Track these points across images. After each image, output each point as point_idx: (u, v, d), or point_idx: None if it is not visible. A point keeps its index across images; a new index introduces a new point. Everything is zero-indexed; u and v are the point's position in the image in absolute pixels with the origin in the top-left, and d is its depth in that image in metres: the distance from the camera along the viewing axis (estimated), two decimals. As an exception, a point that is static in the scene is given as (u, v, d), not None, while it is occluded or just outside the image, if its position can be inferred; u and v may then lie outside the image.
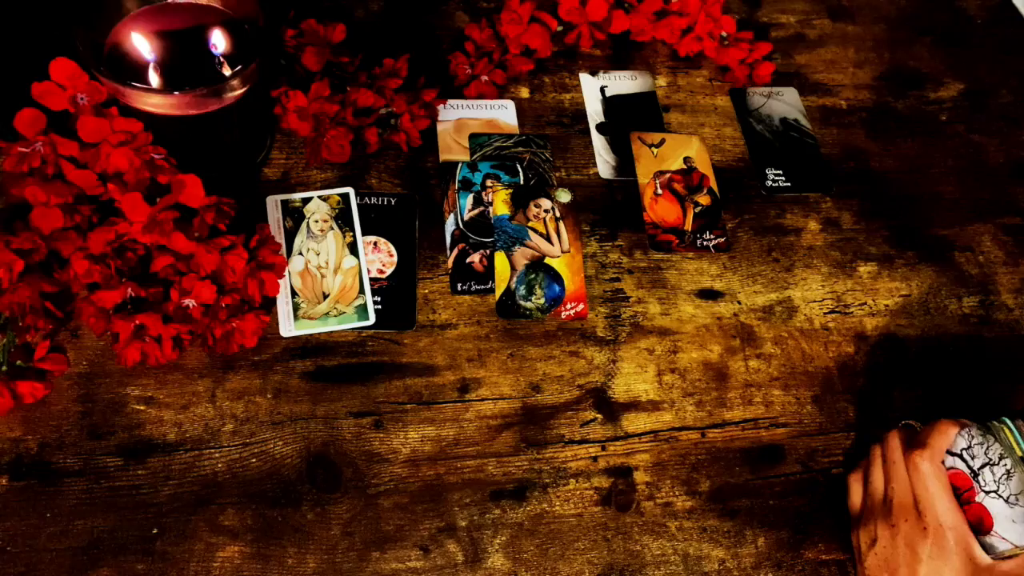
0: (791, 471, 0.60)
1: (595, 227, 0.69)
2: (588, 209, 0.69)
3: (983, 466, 0.51)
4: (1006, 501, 0.49)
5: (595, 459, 0.59)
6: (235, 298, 0.55)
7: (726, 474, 0.59)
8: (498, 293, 0.64)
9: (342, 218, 0.65)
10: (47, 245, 0.53)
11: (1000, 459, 0.50)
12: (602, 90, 0.76)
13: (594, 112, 0.75)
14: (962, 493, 0.51)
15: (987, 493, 0.50)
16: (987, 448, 0.51)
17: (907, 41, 0.86)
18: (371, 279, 0.63)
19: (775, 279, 0.68)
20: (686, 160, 0.73)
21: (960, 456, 0.51)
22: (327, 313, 0.61)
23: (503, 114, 0.73)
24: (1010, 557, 0.49)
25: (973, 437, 0.52)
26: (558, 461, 0.58)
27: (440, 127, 0.71)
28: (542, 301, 0.64)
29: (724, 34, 0.78)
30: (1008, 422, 0.51)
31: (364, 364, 0.60)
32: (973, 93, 0.83)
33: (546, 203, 0.68)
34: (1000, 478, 0.50)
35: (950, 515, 0.50)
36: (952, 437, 0.52)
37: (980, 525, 0.50)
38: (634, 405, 0.61)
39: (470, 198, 0.68)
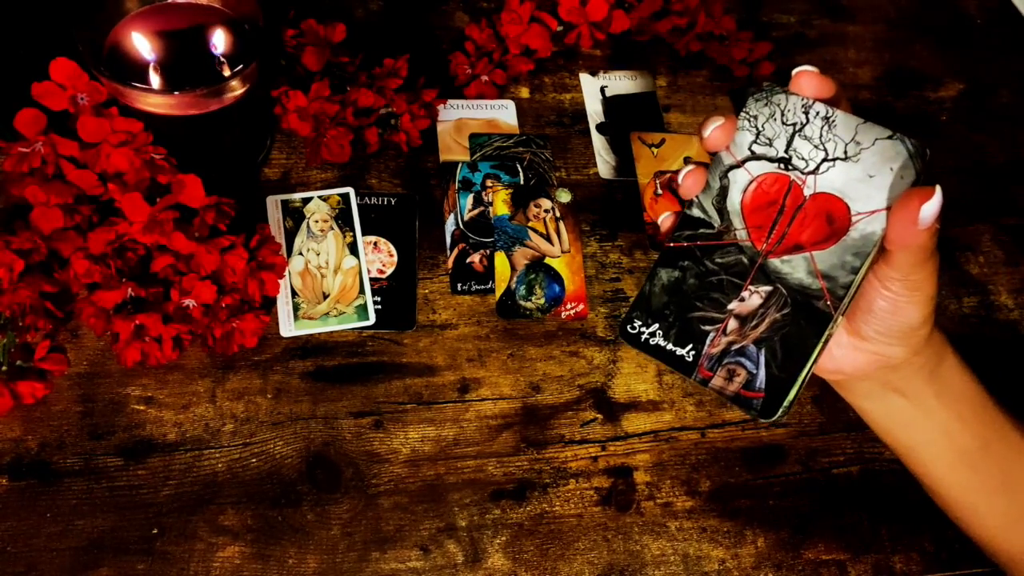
0: (791, 471, 0.60)
1: (595, 227, 0.69)
2: (588, 209, 0.69)
3: (789, 143, 0.39)
4: (846, 158, 0.38)
5: (595, 459, 0.59)
6: (235, 298, 0.55)
7: (726, 474, 0.59)
8: (498, 293, 0.64)
9: (342, 218, 0.65)
10: (47, 245, 0.53)
11: (810, 115, 0.39)
12: (602, 90, 0.76)
13: (594, 112, 0.75)
14: (782, 198, 0.40)
15: (815, 172, 0.39)
16: (777, 116, 0.39)
17: (907, 41, 0.86)
18: (371, 279, 0.63)
19: (775, 279, 0.68)
20: (686, 160, 0.73)
21: (758, 156, 0.40)
22: (327, 313, 0.61)
23: (503, 114, 0.73)
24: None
25: (756, 116, 0.40)
26: (558, 461, 0.58)
27: (440, 127, 0.71)
28: (542, 301, 0.64)
29: (724, 34, 0.78)
30: (770, 89, 0.41)
31: (364, 364, 0.60)
32: (973, 93, 0.83)
33: (546, 203, 0.68)
34: (821, 136, 0.38)
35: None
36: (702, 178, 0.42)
37: (832, 219, 0.39)
38: (634, 405, 0.61)
39: (470, 198, 0.68)
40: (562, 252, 0.66)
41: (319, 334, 0.60)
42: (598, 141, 0.73)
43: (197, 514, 0.53)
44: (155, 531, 0.52)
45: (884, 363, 0.43)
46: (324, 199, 0.65)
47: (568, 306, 0.64)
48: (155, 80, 0.58)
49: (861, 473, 0.60)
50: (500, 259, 0.65)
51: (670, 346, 0.42)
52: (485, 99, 0.73)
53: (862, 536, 0.58)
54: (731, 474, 0.59)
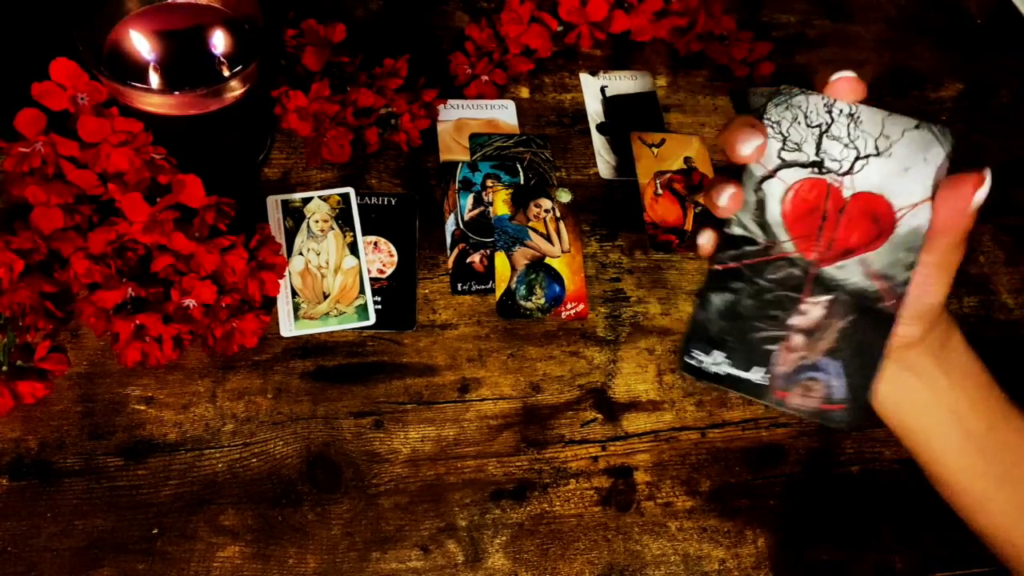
0: (791, 471, 0.60)
1: (595, 227, 0.69)
2: (588, 209, 0.69)
3: (818, 145, 0.39)
4: (878, 154, 0.38)
5: (595, 459, 0.59)
6: (235, 298, 0.55)
7: (726, 474, 0.59)
8: (498, 293, 0.64)
9: (342, 218, 0.65)
10: (47, 245, 0.53)
11: (834, 114, 0.39)
12: (602, 90, 0.76)
13: (594, 112, 0.75)
14: (823, 203, 0.39)
15: (850, 172, 0.38)
16: (800, 119, 0.39)
17: (907, 41, 0.86)
18: (371, 279, 0.63)
19: (775, 279, 0.68)
20: (686, 160, 0.73)
21: (789, 163, 0.40)
22: (327, 313, 0.61)
23: (503, 114, 0.73)
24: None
25: (780, 122, 0.39)
26: (558, 461, 0.58)
27: (440, 127, 0.71)
28: (542, 301, 0.64)
29: (724, 34, 0.78)
30: (791, 91, 0.39)
31: (364, 364, 0.60)
32: (973, 93, 0.83)
33: (546, 203, 0.68)
34: (849, 134, 0.38)
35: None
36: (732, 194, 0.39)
37: (876, 218, 0.38)
38: (634, 405, 0.61)
39: (470, 198, 0.68)
40: (562, 252, 0.66)
41: (319, 334, 0.60)
42: (598, 141, 0.73)
43: (197, 514, 0.53)
44: (155, 531, 0.52)
45: (902, 343, 0.43)
46: (324, 199, 0.65)
47: (568, 306, 0.64)
48: (155, 80, 0.58)
49: (861, 473, 0.60)
50: (500, 259, 0.65)
51: (737, 372, 0.40)
52: (485, 99, 0.73)
53: (862, 536, 0.58)
54: (731, 474, 0.59)
